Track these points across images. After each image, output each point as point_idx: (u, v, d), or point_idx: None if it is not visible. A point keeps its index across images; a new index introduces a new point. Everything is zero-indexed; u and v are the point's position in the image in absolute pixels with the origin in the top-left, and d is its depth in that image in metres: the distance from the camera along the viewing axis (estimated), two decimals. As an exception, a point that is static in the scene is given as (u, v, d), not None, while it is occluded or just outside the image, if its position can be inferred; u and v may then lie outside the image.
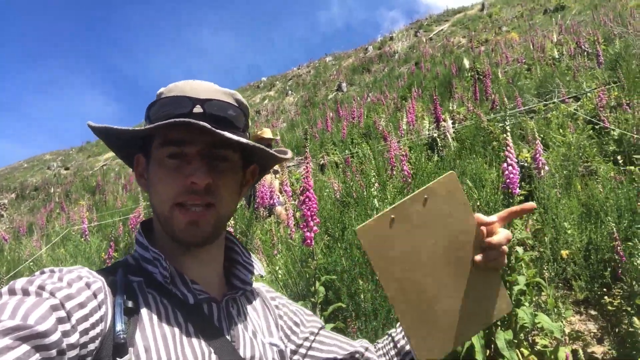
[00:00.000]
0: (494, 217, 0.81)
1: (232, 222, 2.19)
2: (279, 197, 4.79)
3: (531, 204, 0.83)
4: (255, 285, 1.00)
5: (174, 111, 0.78)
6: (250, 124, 0.89)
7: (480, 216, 0.80)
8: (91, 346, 0.61)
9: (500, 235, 0.79)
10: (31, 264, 4.63)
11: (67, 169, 21.90)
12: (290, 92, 21.73)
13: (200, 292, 0.78)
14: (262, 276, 0.97)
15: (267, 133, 5.69)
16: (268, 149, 0.86)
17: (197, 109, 0.79)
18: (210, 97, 0.81)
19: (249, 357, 0.80)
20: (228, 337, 0.79)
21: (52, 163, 24.28)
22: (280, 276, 2.63)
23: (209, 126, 0.72)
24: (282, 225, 4.00)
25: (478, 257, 0.78)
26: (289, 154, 0.94)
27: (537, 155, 3.32)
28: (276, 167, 5.72)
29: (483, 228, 0.80)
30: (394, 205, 0.78)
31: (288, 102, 20.09)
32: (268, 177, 5.22)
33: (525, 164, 4.11)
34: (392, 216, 0.76)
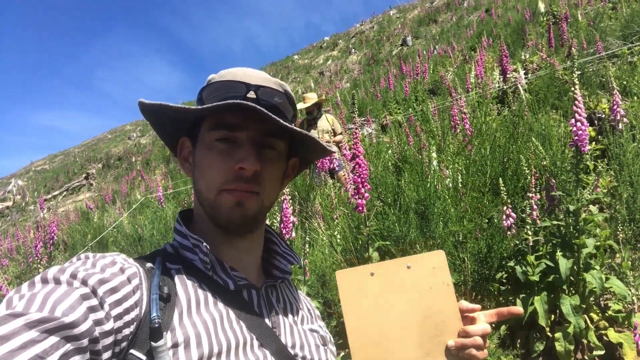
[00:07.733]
0: (477, 306, 0.80)
1: (288, 189, 2.23)
2: (341, 162, 4.79)
3: (519, 310, 0.81)
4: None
5: (228, 94, 0.76)
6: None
7: (463, 303, 0.80)
8: (126, 331, 0.61)
9: (478, 326, 0.77)
10: (114, 231, 5.01)
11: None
12: (353, 50, 21.25)
13: (240, 279, 0.78)
14: (300, 266, 1.00)
15: (308, 99, 5.64)
16: (321, 141, 0.85)
17: (251, 95, 0.78)
18: (262, 84, 0.80)
19: (290, 343, 0.79)
20: (269, 324, 0.78)
21: (132, 133, 25.80)
22: (338, 241, 2.67)
23: (269, 113, 0.71)
24: (343, 189, 4.01)
25: (451, 343, 0.76)
26: (334, 148, 0.95)
27: (615, 106, 3.04)
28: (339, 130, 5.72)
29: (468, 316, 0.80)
30: (375, 263, 0.80)
31: (351, 61, 19.69)
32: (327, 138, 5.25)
33: (603, 116, 3.79)
34: (372, 272, 0.78)
